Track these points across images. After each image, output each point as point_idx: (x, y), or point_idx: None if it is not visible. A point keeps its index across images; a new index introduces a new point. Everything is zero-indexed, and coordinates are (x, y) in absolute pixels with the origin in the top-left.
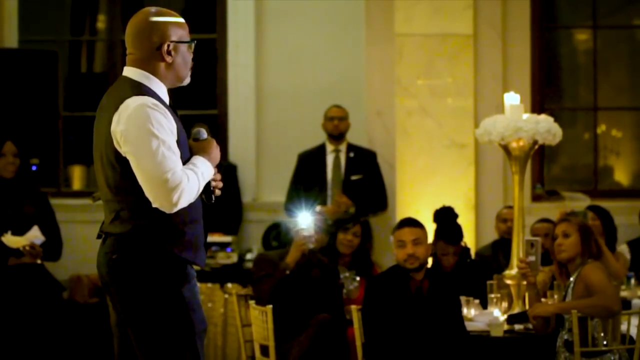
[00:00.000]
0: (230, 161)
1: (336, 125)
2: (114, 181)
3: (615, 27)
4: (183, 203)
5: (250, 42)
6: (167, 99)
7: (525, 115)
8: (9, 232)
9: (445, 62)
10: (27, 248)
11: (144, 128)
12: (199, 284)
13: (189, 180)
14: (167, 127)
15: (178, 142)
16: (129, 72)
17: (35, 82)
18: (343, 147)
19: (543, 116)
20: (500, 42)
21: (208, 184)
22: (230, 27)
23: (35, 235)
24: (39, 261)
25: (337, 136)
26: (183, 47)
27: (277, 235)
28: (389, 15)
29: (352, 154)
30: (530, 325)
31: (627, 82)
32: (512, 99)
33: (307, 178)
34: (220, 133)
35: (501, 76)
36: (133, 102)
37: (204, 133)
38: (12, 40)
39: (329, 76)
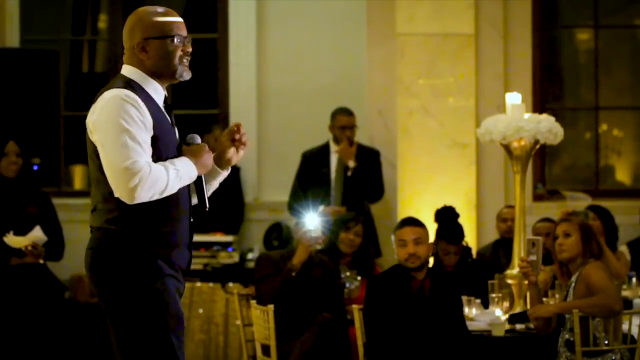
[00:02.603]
0: None
1: (348, 136)
2: (93, 173)
3: (617, 27)
4: (143, 195)
5: (251, 41)
6: (158, 96)
7: (527, 115)
8: (11, 232)
9: (447, 62)
10: (29, 248)
11: (112, 118)
12: (199, 284)
13: (151, 172)
14: (138, 119)
15: (158, 139)
16: (123, 69)
17: (37, 81)
18: None
19: (544, 116)
20: (502, 41)
21: (202, 191)
22: (232, 26)
23: (37, 235)
24: (41, 261)
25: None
26: (160, 43)
27: (278, 235)
28: (390, 15)
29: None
30: (531, 325)
31: (629, 82)
32: (513, 98)
33: (311, 177)
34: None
35: (503, 76)
36: (109, 94)
37: (197, 138)
38: (13, 39)
39: (331, 76)
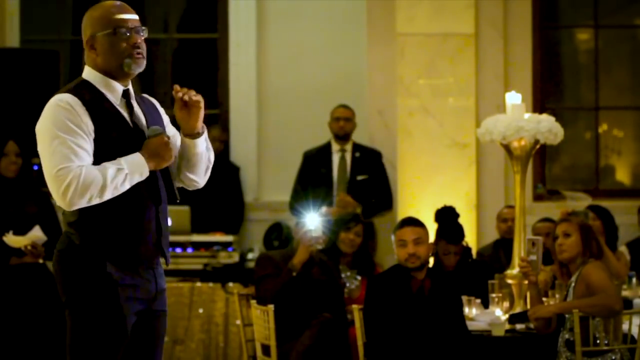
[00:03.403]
0: (232, 161)
1: (342, 126)
2: None
3: (617, 27)
4: (77, 200)
5: (251, 41)
6: (114, 94)
7: (527, 115)
8: (11, 232)
9: (447, 62)
10: (29, 248)
11: (46, 126)
12: (199, 284)
13: (81, 176)
14: (71, 124)
15: (104, 140)
16: (84, 69)
17: (37, 81)
18: (349, 147)
19: (544, 116)
20: (502, 41)
21: (170, 184)
22: (232, 26)
23: (36, 235)
24: (40, 261)
25: (342, 136)
26: (104, 37)
27: (278, 235)
28: (390, 15)
29: (357, 154)
30: (531, 325)
31: (629, 82)
32: (513, 98)
33: (313, 177)
34: (221, 133)
35: (503, 76)
36: (50, 101)
37: (158, 130)
38: (13, 39)
39: (331, 76)
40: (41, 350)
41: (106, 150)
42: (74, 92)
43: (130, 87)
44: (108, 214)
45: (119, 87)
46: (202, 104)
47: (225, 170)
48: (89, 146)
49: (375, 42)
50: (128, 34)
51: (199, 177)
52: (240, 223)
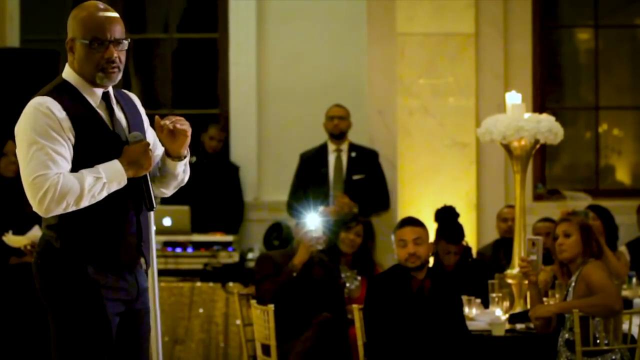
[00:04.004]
0: (232, 161)
1: (336, 125)
2: None
3: (617, 27)
4: (53, 207)
5: (251, 41)
6: (94, 98)
7: (527, 115)
8: (10, 232)
9: (447, 62)
10: (28, 247)
11: (25, 130)
12: (199, 283)
13: (59, 184)
14: (50, 129)
15: (83, 144)
16: (65, 68)
17: (37, 81)
18: (345, 147)
19: (544, 115)
20: (502, 41)
21: (148, 190)
22: (232, 26)
23: (36, 234)
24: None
25: (337, 135)
26: (81, 45)
27: (278, 235)
28: (390, 15)
29: (353, 154)
30: (531, 325)
31: (629, 82)
32: (513, 98)
33: (309, 178)
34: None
35: (503, 75)
36: (30, 103)
37: (138, 137)
38: (13, 39)
39: (331, 76)
40: (41, 349)
41: (85, 155)
42: (54, 95)
43: (110, 89)
44: (88, 218)
45: (98, 91)
46: (189, 132)
47: (225, 169)
48: (68, 153)
49: (375, 42)
50: (105, 48)
51: (168, 190)
52: (240, 223)
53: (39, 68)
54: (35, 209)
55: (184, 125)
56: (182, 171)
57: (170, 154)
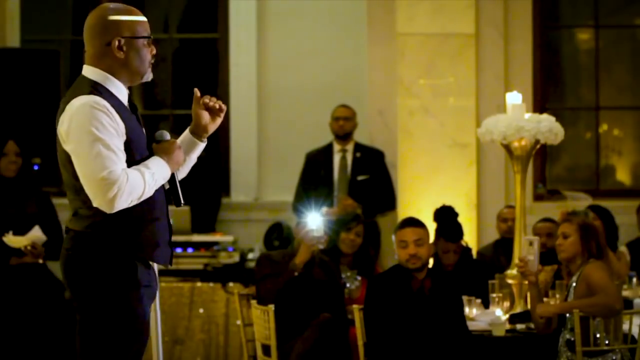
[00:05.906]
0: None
1: (341, 126)
2: (68, 181)
3: (617, 27)
4: (122, 203)
5: (252, 42)
6: (124, 97)
7: (527, 115)
8: (11, 232)
9: (447, 62)
10: (29, 248)
11: (84, 127)
12: (199, 284)
13: (128, 180)
14: (109, 126)
15: (130, 142)
16: (86, 70)
17: (37, 81)
18: (350, 147)
19: (545, 115)
20: (502, 41)
21: (176, 187)
22: (232, 27)
23: (36, 235)
24: (40, 261)
25: (342, 136)
26: (138, 43)
27: (278, 235)
28: (390, 15)
29: (358, 154)
30: (532, 325)
31: (629, 82)
32: (514, 98)
33: (314, 178)
34: (221, 133)
35: (503, 76)
36: (77, 102)
37: (166, 135)
38: (14, 39)
39: (331, 76)
40: (41, 350)
41: (130, 152)
42: (97, 93)
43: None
44: (136, 214)
45: (125, 91)
46: (223, 115)
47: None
48: (123, 148)
49: (376, 42)
50: (150, 45)
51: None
52: (214, 222)
53: (39, 68)
54: (100, 205)
55: (223, 105)
56: (195, 158)
57: (198, 132)
